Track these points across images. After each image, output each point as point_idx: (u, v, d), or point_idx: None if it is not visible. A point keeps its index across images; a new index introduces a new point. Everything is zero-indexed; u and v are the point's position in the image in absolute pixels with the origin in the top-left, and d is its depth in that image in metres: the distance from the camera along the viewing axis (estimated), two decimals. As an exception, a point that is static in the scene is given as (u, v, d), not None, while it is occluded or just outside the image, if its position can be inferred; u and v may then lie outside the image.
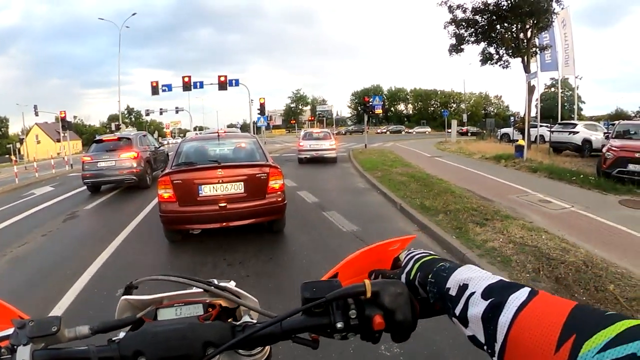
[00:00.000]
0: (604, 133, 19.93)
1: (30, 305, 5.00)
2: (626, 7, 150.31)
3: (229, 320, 0.93)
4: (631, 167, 11.49)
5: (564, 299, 0.60)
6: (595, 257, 5.74)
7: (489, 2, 20.29)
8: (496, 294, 0.65)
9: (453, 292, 0.72)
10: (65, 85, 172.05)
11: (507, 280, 0.68)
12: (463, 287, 0.71)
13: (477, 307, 0.66)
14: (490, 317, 0.63)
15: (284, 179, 7.43)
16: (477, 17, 21.24)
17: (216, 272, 5.91)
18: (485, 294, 0.66)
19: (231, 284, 1.05)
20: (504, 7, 19.90)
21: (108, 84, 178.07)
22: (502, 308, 0.62)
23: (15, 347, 0.75)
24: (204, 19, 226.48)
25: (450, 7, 21.68)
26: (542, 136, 26.47)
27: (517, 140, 20.61)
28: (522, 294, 0.62)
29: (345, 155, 24.41)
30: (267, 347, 0.94)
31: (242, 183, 6.91)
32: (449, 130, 41.77)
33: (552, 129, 23.30)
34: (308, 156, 21.47)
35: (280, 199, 7.12)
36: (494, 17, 20.58)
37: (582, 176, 12.55)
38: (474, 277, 0.71)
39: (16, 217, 10.88)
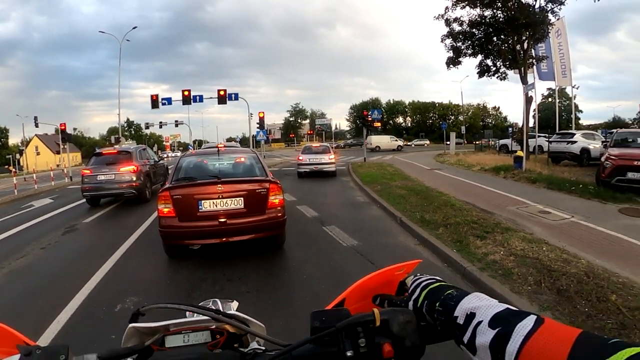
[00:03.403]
0: (602, 142, 19.97)
1: (29, 319, 4.96)
2: (620, 15, 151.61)
3: (235, 346, 0.95)
4: (630, 175, 11.49)
5: (569, 326, 0.61)
6: (596, 268, 5.74)
7: (485, 15, 20.48)
8: (503, 323, 0.66)
9: (461, 321, 0.73)
10: (65, 97, 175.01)
11: (514, 308, 0.70)
12: (470, 316, 0.72)
13: (485, 336, 0.67)
14: (498, 346, 0.64)
15: (283, 193, 7.42)
16: (473, 30, 21.43)
17: (215, 287, 5.85)
18: (492, 323, 0.67)
19: (234, 305, 1.09)
20: (501, 20, 20.05)
21: (107, 97, 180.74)
22: (510, 337, 0.63)
23: None
24: (200, 32, 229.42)
25: (447, 20, 21.89)
26: (540, 146, 26.56)
27: (516, 151, 20.65)
28: (528, 323, 0.63)
29: (344, 169, 24.44)
30: None
31: (242, 198, 6.89)
32: (448, 143, 41.86)
33: (550, 139, 23.37)
34: (307, 170, 21.45)
35: (280, 214, 7.09)
36: (491, 30, 20.76)
37: (581, 186, 12.57)
38: (481, 305, 0.72)
39: (15, 229, 10.86)
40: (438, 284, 0.88)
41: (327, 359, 0.79)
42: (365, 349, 0.75)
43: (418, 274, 0.97)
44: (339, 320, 0.77)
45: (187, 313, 1.05)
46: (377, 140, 57.32)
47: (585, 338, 0.57)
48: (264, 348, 0.93)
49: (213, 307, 1.01)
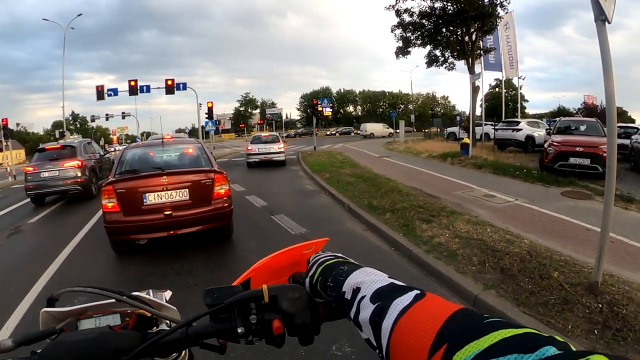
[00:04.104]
0: (546, 129, 20.61)
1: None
2: (567, 11, 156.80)
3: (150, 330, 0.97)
4: (572, 160, 12.04)
5: (450, 303, 0.59)
6: (539, 247, 5.91)
7: (435, 6, 20.68)
8: (383, 298, 0.64)
9: (348, 296, 0.72)
10: (6, 90, 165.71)
11: (399, 283, 0.68)
12: (356, 291, 0.71)
13: (366, 311, 0.65)
14: (376, 322, 0.62)
15: (230, 184, 7.33)
16: (423, 20, 21.58)
17: (165, 282, 5.75)
18: (374, 298, 0.66)
19: (167, 294, 1.09)
20: (450, 12, 20.28)
21: (50, 89, 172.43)
22: (386, 313, 0.61)
23: None
24: (149, 19, 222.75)
25: (398, 11, 21.96)
26: (487, 134, 27.18)
27: (463, 139, 21.02)
28: (406, 298, 0.61)
29: (294, 158, 24.47)
30: (184, 353, 0.96)
31: (187, 190, 6.77)
32: (397, 131, 42.34)
33: (496, 127, 23.91)
34: (257, 160, 21.41)
35: (226, 205, 7.02)
36: (440, 21, 20.96)
37: (525, 171, 13.01)
38: (367, 280, 0.71)
39: (-45, 234, 10.32)
40: (335, 260, 0.86)
41: (224, 335, 0.80)
42: (257, 325, 0.77)
43: (320, 252, 0.95)
44: (230, 297, 0.78)
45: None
46: (371, 128, 59.70)
47: (460, 315, 0.54)
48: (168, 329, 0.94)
49: (145, 297, 0.98)
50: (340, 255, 0.89)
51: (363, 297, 0.67)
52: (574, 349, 0.42)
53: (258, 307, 0.77)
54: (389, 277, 0.70)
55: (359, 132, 58.36)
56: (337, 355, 3.58)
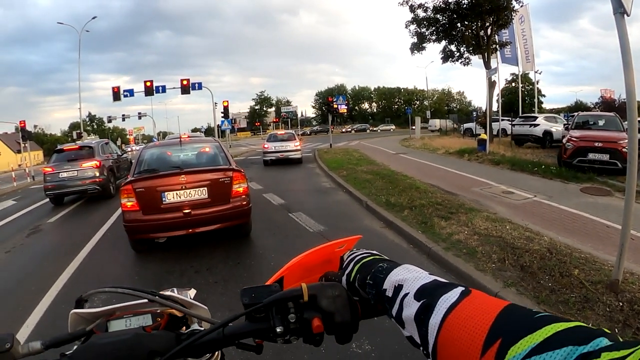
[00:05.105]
0: (564, 124, 20.36)
1: (-3, 324, 4.84)
2: (583, 3, 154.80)
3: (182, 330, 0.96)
4: (591, 155, 11.87)
5: (496, 299, 0.59)
6: (559, 244, 5.85)
7: (449, 1, 20.53)
8: (428, 295, 0.64)
9: (389, 293, 0.72)
10: (23, 94, 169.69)
11: (442, 280, 0.68)
12: (398, 288, 0.71)
13: (411, 309, 0.65)
14: (422, 319, 0.63)
15: (248, 182, 7.35)
16: (438, 15, 21.47)
17: (183, 280, 5.81)
18: (418, 295, 0.66)
19: (191, 292, 1.09)
20: (464, 6, 20.15)
21: (66, 91, 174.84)
22: (433, 309, 0.61)
23: None
24: (161, 20, 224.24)
25: (411, 6, 21.86)
26: (504, 130, 26.98)
27: (480, 135, 20.88)
28: (453, 295, 0.61)
29: (310, 156, 24.46)
30: (217, 353, 0.95)
31: (206, 188, 6.80)
32: (413, 127, 42.15)
33: (513, 123, 23.68)
34: (273, 158, 21.41)
35: (244, 203, 7.04)
36: (455, 16, 20.84)
37: (543, 167, 12.85)
38: (409, 277, 0.71)
39: (-23, 234, 10.51)
40: (372, 257, 0.86)
41: (260, 335, 0.79)
42: (296, 324, 0.76)
43: (355, 249, 0.95)
44: (268, 296, 0.77)
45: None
46: (439, 123, 58.68)
47: (510, 311, 0.55)
48: (202, 329, 0.95)
49: (177, 296, 0.99)
50: (375, 252, 0.90)
51: (406, 294, 0.67)
52: (620, 340, 0.44)
53: (296, 305, 0.77)
54: (430, 274, 0.70)
55: (428, 126, 57.54)
56: (356, 353, 3.60)
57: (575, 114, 19.26)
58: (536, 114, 26.57)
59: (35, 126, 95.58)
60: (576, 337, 0.45)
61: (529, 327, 0.49)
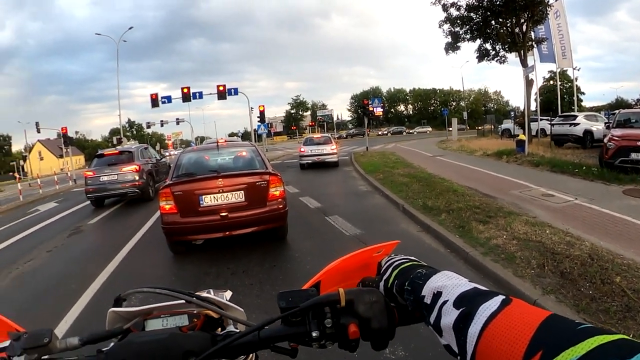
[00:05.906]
0: (605, 123, 19.84)
1: (37, 320, 5.01)
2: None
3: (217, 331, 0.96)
4: (634, 155, 11.44)
5: (538, 308, 0.58)
6: (600, 250, 5.68)
7: (482, -2, 20.31)
8: (467, 303, 0.63)
9: (428, 300, 0.70)
10: (64, 102, 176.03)
11: (482, 287, 0.66)
12: (437, 295, 0.69)
13: (449, 317, 0.64)
14: (461, 327, 0.61)
15: (284, 185, 7.42)
16: (471, 14, 21.27)
17: (219, 281, 5.89)
18: (457, 303, 0.64)
19: (227, 294, 1.11)
20: (498, 3, 19.89)
21: (106, 99, 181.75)
22: (472, 318, 0.60)
23: (10, 358, 0.78)
24: (196, 28, 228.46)
25: (444, 5, 21.73)
26: (543, 130, 26.49)
27: (518, 135, 20.55)
28: (493, 304, 0.60)
29: (346, 159, 24.45)
30: (252, 356, 0.97)
31: (243, 192, 6.89)
32: (450, 129, 41.74)
33: (552, 122, 23.22)
34: (310, 161, 21.53)
35: (281, 206, 7.09)
36: (488, 13, 20.59)
37: (584, 168, 12.53)
38: (448, 284, 0.69)
39: (21, 234, 10.91)
40: (410, 263, 0.85)
41: (296, 339, 0.80)
42: (332, 329, 0.75)
43: (393, 255, 0.94)
44: (305, 300, 0.77)
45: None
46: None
47: (552, 321, 0.53)
48: (238, 330, 0.96)
49: (213, 298, 1.02)
50: (414, 258, 0.88)
51: (445, 302, 0.66)
52: None
53: (333, 310, 0.76)
54: (469, 282, 0.69)
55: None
56: (390, 359, 3.61)
57: (617, 111, 18.71)
58: (576, 113, 26.01)
59: (76, 132, 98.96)
60: (619, 351, 0.44)
61: (570, 339, 0.48)
